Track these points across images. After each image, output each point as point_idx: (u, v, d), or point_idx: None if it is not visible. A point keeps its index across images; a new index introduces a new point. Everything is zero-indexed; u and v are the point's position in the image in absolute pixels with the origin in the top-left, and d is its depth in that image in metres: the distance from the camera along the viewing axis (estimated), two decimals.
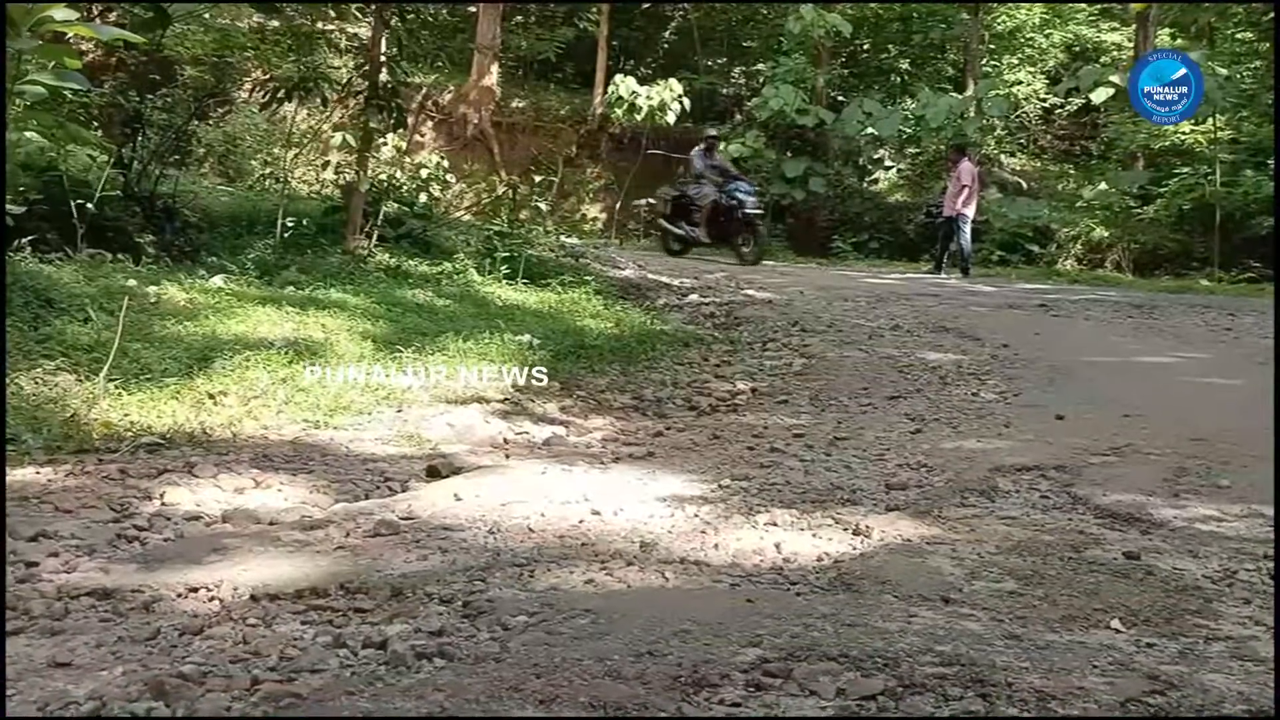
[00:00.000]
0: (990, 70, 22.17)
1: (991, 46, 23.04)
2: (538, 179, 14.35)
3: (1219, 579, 2.99)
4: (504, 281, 9.51)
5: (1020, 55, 23.24)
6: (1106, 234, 17.45)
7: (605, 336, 7.75)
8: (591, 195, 22.44)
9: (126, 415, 4.79)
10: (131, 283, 6.71)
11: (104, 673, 2.26)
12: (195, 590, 2.87)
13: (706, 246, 15.33)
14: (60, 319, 5.78)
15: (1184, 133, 17.47)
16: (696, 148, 16.30)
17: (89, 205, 7.55)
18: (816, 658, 2.32)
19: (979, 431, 5.11)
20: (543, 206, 13.38)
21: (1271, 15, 15.53)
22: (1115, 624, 2.61)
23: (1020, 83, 22.41)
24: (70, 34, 5.02)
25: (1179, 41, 19.49)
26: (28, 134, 5.95)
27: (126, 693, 2.12)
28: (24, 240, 6.62)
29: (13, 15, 4.55)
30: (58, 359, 5.24)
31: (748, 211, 14.79)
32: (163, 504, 3.82)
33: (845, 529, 3.46)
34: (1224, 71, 16.02)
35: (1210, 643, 2.51)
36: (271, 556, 3.16)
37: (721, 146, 17.35)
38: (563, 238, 13.15)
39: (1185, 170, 17.10)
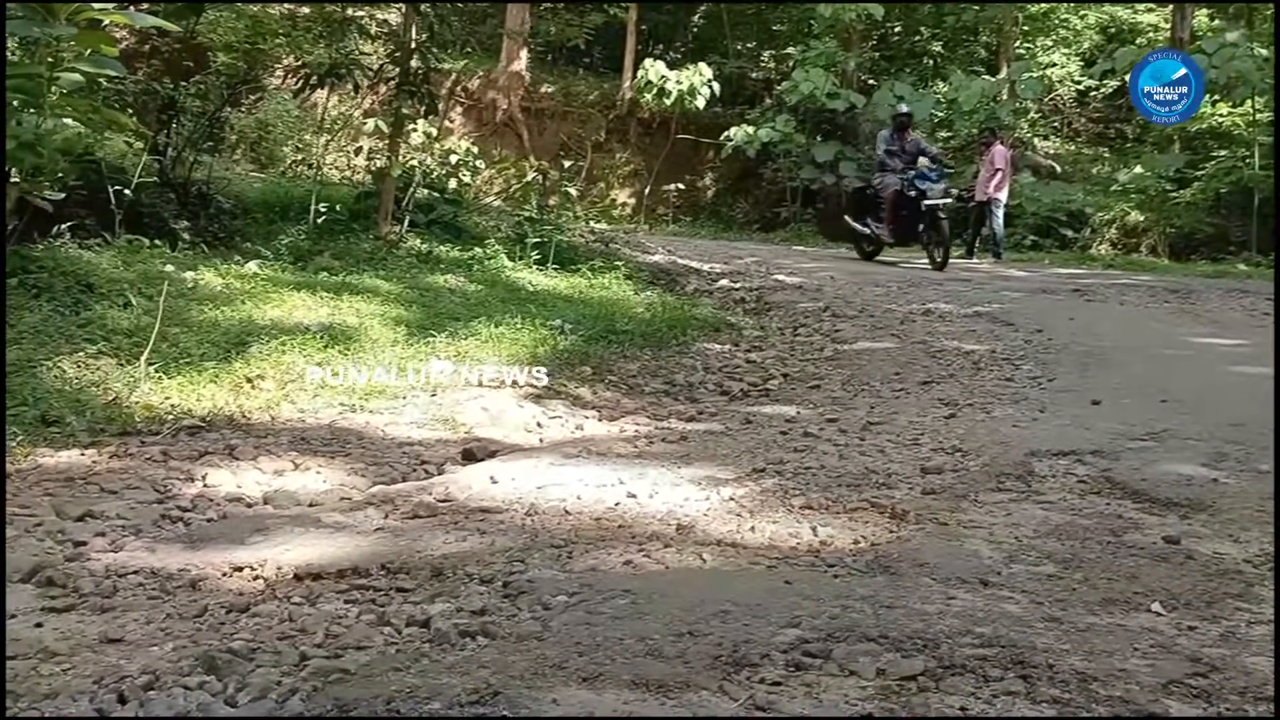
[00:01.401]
0: (1024, 52, 21.92)
1: (1025, 28, 22.77)
2: (567, 164, 14.34)
3: (1260, 563, 2.97)
4: (534, 267, 9.53)
5: (1054, 37, 22.96)
6: (1142, 218, 17.25)
7: (636, 322, 7.76)
8: (620, 180, 22.42)
9: (167, 398, 4.86)
10: (169, 268, 6.78)
11: (155, 648, 2.31)
12: (240, 569, 2.91)
13: (891, 246, 13.46)
14: (100, 304, 5.87)
15: (1221, 115, 17.23)
16: (884, 130, 14.56)
17: (126, 192, 7.63)
18: (856, 639, 2.33)
19: (1014, 416, 5.08)
20: (572, 192, 13.39)
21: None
22: (1156, 607, 2.60)
23: (1054, 65, 22.15)
24: (106, 21, 5.07)
25: (1217, 22, 19.20)
26: (66, 120, 6.02)
27: (178, 667, 2.16)
28: (63, 226, 6.71)
29: (51, 2, 4.62)
30: (99, 343, 5.31)
31: (928, 203, 12.41)
32: (205, 485, 3.88)
33: (881, 512, 3.46)
34: (1263, 53, 15.74)
35: (1252, 626, 2.50)
36: (313, 537, 3.21)
37: (916, 127, 14.82)
38: (592, 223, 13.18)
39: (1223, 153, 16.86)
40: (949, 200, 12.91)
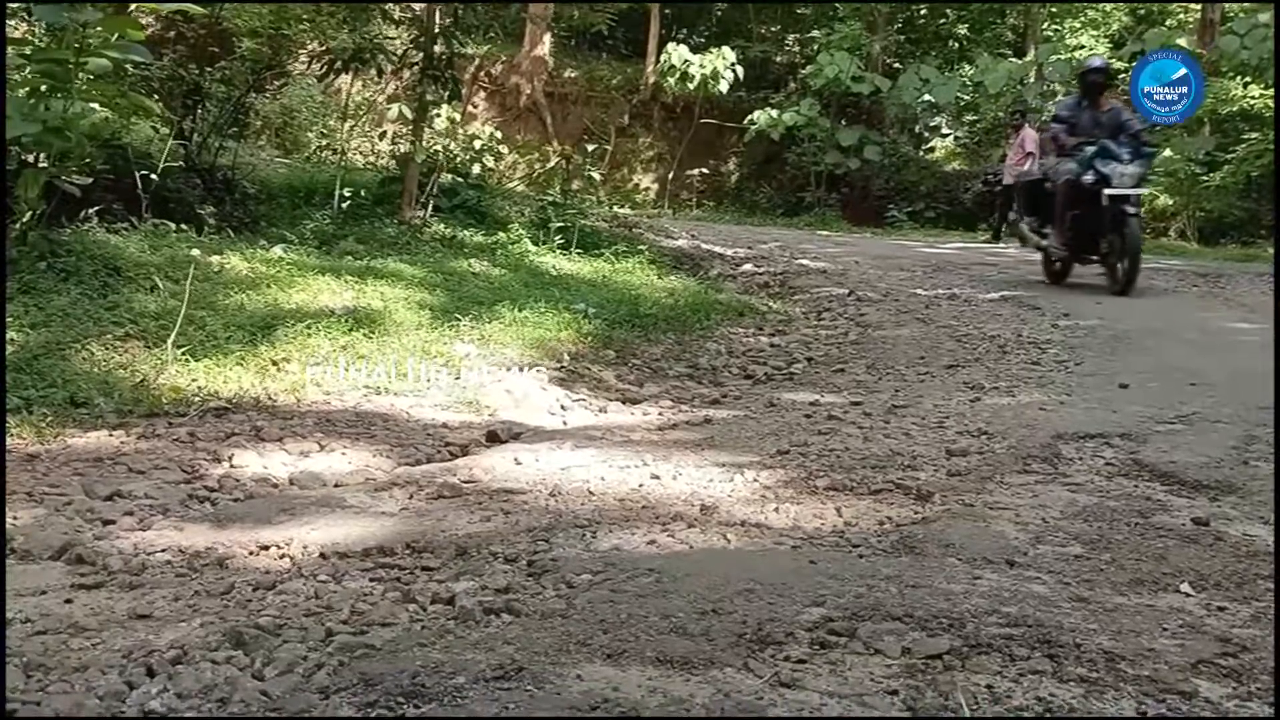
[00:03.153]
0: (1051, 35, 21.68)
1: (1052, 10, 22.51)
2: (590, 149, 14.32)
3: None
4: (558, 251, 9.53)
5: (1082, 19, 22.69)
6: (1171, 202, 17.06)
7: (659, 305, 7.75)
8: (644, 165, 22.37)
9: (194, 381, 4.89)
10: (195, 252, 6.82)
11: (183, 624, 2.33)
12: (266, 548, 2.93)
13: (1065, 264, 9.44)
14: (128, 287, 5.91)
15: (1253, 97, 16.99)
16: (1066, 98, 11.14)
17: (153, 176, 7.68)
18: (881, 617, 2.32)
19: (1040, 400, 5.04)
20: (595, 176, 13.38)
21: None
22: (1185, 588, 2.58)
23: (1082, 47, 21.85)
24: (133, 7, 5.09)
25: (1249, 3, 18.91)
26: (93, 105, 6.06)
27: (206, 642, 2.18)
28: (91, 210, 6.76)
29: None
30: (126, 326, 5.36)
31: (1111, 192, 8.47)
32: (231, 466, 3.91)
33: (906, 494, 3.44)
34: None
35: None
36: (339, 517, 3.23)
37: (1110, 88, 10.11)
38: (615, 208, 13.15)
39: (1254, 136, 16.62)
40: (1144, 191, 9.14)
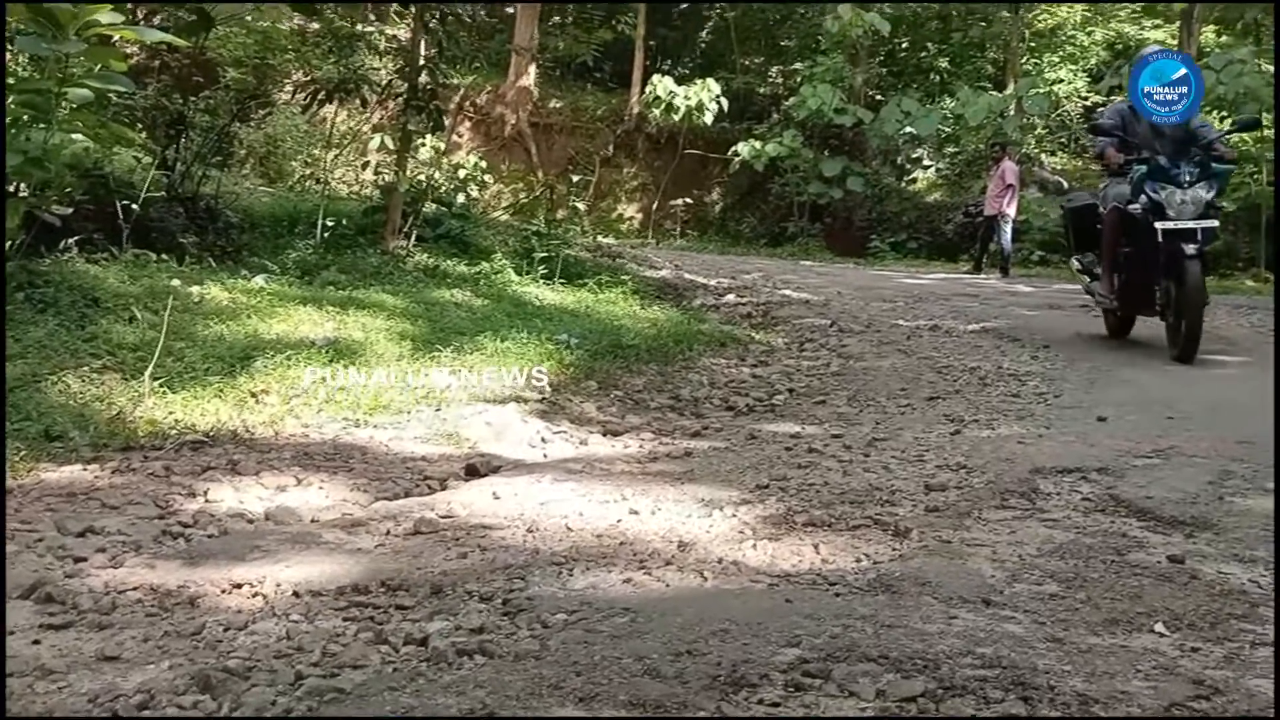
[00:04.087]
0: (1031, 68, 21.96)
1: (1032, 44, 22.82)
2: (575, 179, 14.38)
3: (1265, 583, 2.94)
4: (541, 281, 9.54)
5: (1061, 53, 23.00)
6: None
7: (642, 336, 7.75)
8: (628, 195, 22.47)
9: (171, 413, 4.86)
10: (175, 282, 6.80)
11: (151, 666, 2.30)
12: (239, 586, 2.90)
13: (1117, 315, 7.84)
14: (106, 318, 5.88)
15: (1229, 132, 17.19)
16: (1113, 104, 9.18)
17: (134, 206, 7.66)
18: (856, 658, 2.31)
19: (1019, 433, 5.06)
20: (580, 206, 13.43)
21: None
22: (1159, 628, 2.58)
23: (1061, 81, 22.17)
24: (116, 37, 5.10)
25: (1224, 39, 19.20)
26: (74, 136, 6.05)
27: (174, 686, 2.15)
28: (71, 240, 6.74)
29: (60, 18, 4.65)
30: (104, 358, 5.32)
31: (1167, 226, 6.80)
32: (206, 501, 3.87)
33: (884, 530, 3.44)
34: (1270, 68, 15.75)
35: (1256, 648, 2.47)
36: (313, 554, 3.20)
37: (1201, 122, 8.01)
38: (599, 237, 13.18)
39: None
40: (1213, 224, 6.88)
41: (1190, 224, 6.74)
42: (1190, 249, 6.70)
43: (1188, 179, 6.82)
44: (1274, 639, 2.40)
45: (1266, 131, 16.20)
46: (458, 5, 10.10)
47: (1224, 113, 16.70)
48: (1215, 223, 6.88)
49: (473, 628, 2.54)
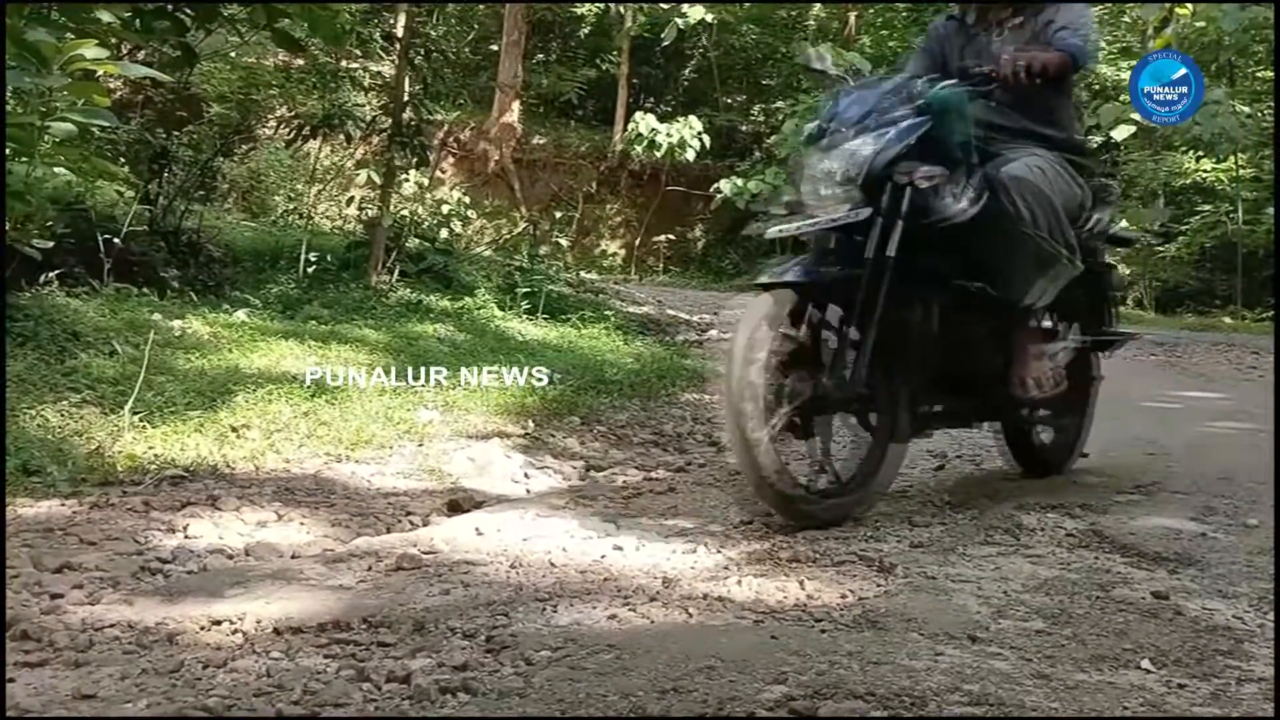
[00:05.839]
0: None
1: None
2: (558, 215, 14.44)
3: (1249, 619, 2.94)
4: (524, 316, 9.55)
5: None
6: (1128, 271, 17.41)
7: (625, 371, 7.76)
8: (611, 231, 22.56)
9: (150, 448, 4.81)
10: (156, 316, 6.77)
11: (129, 705, 2.26)
12: (218, 623, 2.86)
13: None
14: (86, 352, 5.84)
15: (1206, 170, 17.48)
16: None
17: (115, 240, 7.64)
18: (843, 695, 2.30)
19: (1002, 469, 5.07)
20: (563, 242, 13.48)
21: None
22: (1145, 664, 2.57)
23: None
24: (100, 72, 5.10)
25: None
26: (56, 170, 6.04)
27: None
28: (52, 274, 6.71)
29: (44, 52, 4.65)
30: (83, 392, 5.28)
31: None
32: (185, 537, 3.83)
33: (869, 565, 3.43)
34: (1245, 109, 16.02)
35: (1243, 684, 2.47)
36: (294, 590, 3.16)
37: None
38: (582, 273, 13.21)
39: (1207, 208, 17.07)
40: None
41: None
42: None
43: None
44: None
45: (1244, 170, 16.47)
46: (443, 42, 10.18)
47: (1199, 153, 16.96)
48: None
49: (456, 665, 2.51)
